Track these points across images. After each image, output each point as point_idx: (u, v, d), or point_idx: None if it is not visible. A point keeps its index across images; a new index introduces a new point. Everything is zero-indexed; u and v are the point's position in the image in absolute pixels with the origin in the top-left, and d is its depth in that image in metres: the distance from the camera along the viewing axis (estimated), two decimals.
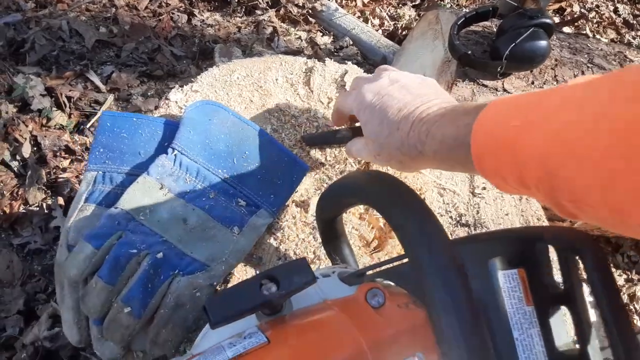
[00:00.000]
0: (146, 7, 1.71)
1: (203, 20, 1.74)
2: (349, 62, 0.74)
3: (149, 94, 1.46)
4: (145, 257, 0.52)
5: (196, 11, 1.76)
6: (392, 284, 0.41)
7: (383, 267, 0.41)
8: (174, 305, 0.51)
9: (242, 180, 0.59)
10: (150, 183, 0.56)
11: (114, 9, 1.67)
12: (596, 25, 2.29)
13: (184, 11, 1.75)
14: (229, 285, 0.57)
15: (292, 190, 0.61)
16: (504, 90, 1.09)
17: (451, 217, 0.64)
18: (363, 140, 0.55)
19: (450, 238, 0.36)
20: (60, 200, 1.18)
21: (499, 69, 1.05)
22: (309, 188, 0.64)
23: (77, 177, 1.22)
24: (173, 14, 1.72)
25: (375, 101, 0.52)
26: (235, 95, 0.68)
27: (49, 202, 1.19)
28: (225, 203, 0.57)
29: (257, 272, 0.59)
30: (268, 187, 0.60)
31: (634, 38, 2.25)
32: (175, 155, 0.58)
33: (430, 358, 0.35)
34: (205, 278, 0.53)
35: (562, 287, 0.34)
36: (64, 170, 1.23)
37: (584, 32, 2.16)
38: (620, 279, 1.49)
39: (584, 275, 0.32)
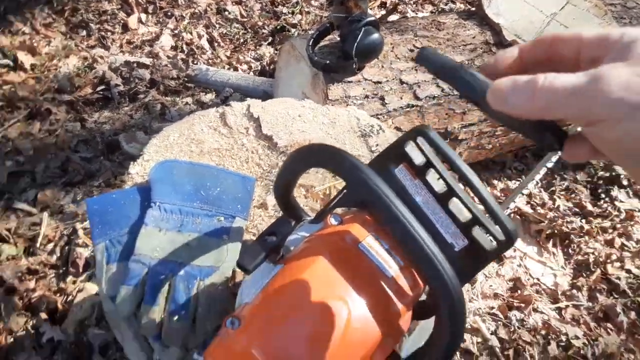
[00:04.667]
0: (40, 129, 1.83)
1: (96, 121, 1.89)
2: (248, 98, 0.97)
3: (77, 198, 1.58)
4: (173, 277, 0.70)
5: (86, 116, 1.91)
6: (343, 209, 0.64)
7: (333, 203, 0.64)
8: (206, 302, 0.70)
9: (213, 204, 0.79)
10: (151, 230, 0.74)
11: (10, 142, 1.76)
12: (414, 5, 2.75)
13: (74, 120, 1.88)
14: (237, 280, 0.77)
15: (251, 198, 0.82)
16: (365, 79, 1.38)
17: None
18: (591, 73, 0.31)
19: None
20: (43, 315, 1.27)
21: (354, 67, 1.34)
22: (261, 193, 0.85)
23: (49, 290, 1.32)
24: (66, 126, 1.85)
25: None
26: (178, 152, 0.88)
27: (32, 322, 1.28)
28: (209, 223, 0.77)
29: None
30: (234, 202, 0.80)
31: (445, 4, 2.72)
32: (158, 206, 0.77)
33: (379, 234, 0.58)
34: (219, 276, 0.72)
35: (425, 161, 0.58)
36: (34, 290, 1.32)
37: (407, 14, 2.59)
38: (515, 185, 1.84)
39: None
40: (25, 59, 2.07)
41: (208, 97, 1.98)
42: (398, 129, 1.39)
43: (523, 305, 1.49)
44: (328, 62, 1.36)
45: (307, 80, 1.48)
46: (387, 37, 1.49)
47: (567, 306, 1.54)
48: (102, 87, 2.01)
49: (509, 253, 1.64)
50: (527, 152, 1.94)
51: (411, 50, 1.47)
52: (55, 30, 2.35)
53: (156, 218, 0.76)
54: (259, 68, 2.16)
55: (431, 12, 2.65)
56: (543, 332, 1.45)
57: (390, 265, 0.56)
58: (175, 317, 0.68)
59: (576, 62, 0.36)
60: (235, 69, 2.16)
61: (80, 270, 1.37)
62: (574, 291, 1.58)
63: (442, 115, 1.44)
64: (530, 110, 0.34)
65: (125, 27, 2.42)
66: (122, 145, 1.72)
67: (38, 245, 1.43)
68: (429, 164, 0.58)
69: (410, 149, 0.60)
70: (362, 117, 0.96)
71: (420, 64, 0.46)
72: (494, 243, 0.56)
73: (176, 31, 2.36)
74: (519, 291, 1.54)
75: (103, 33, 2.37)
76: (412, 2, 2.74)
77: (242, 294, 0.63)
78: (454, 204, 0.58)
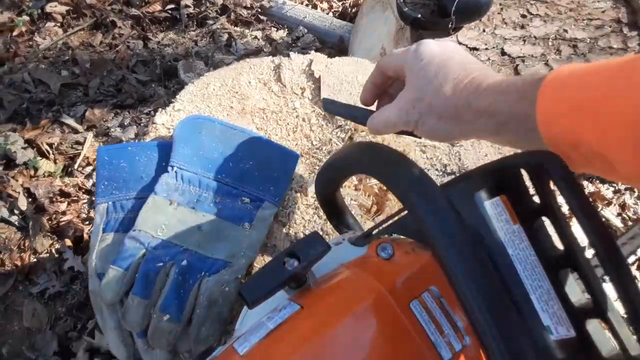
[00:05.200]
0: (101, 42, 1.73)
1: (159, 42, 1.77)
2: (312, 51, 0.79)
3: (125, 123, 1.49)
4: (172, 267, 0.57)
5: (150, 35, 1.79)
6: (399, 236, 0.47)
7: (387, 224, 0.47)
8: (207, 304, 0.56)
9: (241, 180, 0.64)
10: (160, 201, 0.60)
11: (70, 51, 1.68)
12: None
13: (138, 37, 1.77)
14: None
15: (289, 179, 0.66)
16: (459, 43, 1.14)
17: (437, 170, 0.70)
18: (395, 105, 0.48)
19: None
20: (68, 242, 1.21)
21: (450, 26, 1.10)
22: (303, 173, 0.69)
23: (78, 217, 1.25)
24: (128, 42, 1.74)
25: (438, 52, 0.45)
26: (216, 105, 0.72)
27: (57, 246, 1.23)
28: (231, 204, 0.62)
29: None
30: (267, 181, 0.64)
31: None
32: (175, 172, 0.62)
33: (443, 288, 0.41)
34: (230, 273, 0.58)
35: (539, 202, 0.39)
36: (64, 213, 1.26)
37: None
38: (608, 192, 1.56)
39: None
40: None
41: (279, 34, 1.80)
42: None
43: None
44: (419, 16, 1.13)
45: (391, 33, 1.26)
46: None
47: None
48: (172, 6, 1.87)
49: None
50: None
51: (524, 16, 1.20)
52: None
53: (169, 187, 0.62)
54: (340, 9, 1.93)
55: None
56: None
57: (450, 342, 0.39)
58: (166, 317, 0.55)
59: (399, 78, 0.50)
60: (314, 7, 1.94)
61: None
62: None
63: None
64: (389, 132, 0.51)
65: None
66: (180, 73, 1.59)
67: (76, 166, 1.36)
68: (545, 210, 0.39)
69: (522, 180, 0.40)
70: None
71: (327, 112, 0.61)
72: (619, 352, 0.37)
73: None
74: None
75: None
76: None
77: (242, 321, 0.48)
78: (567, 277, 0.39)
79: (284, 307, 0.43)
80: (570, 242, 0.37)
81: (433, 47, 0.45)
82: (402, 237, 0.46)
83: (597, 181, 1.61)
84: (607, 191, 1.59)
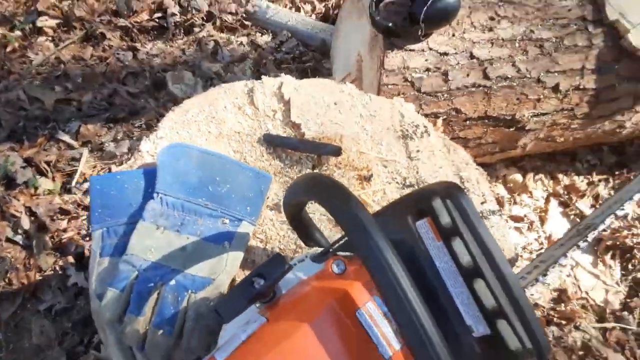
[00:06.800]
0: (91, 55, 1.79)
1: (147, 52, 1.82)
2: (282, 74, 0.85)
3: (118, 137, 1.55)
4: (162, 286, 0.64)
5: (138, 45, 1.84)
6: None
7: (338, 244, 0.54)
8: (195, 317, 0.64)
9: (220, 202, 0.71)
10: (147, 227, 0.67)
11: (62, 65, 1.74)
12: None
13: (127, 49, 1.83)
14: None
15: (263, 199, 0.73)
16: (430, 48, 1.20)
17: (397, 183, 0.77)
18: None
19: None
20: (71, 259, 1.28)
21: (419, 33, 1.16)
22: (278, 192, 0.76)
23: (78, 233, 1.33)
24: (118, 54, 1.80)
25: None
26: (195, 131, 0.79)
27: (60, 263, 1.30)
28: (212, 225, 0.69)
29: None
30: (243, 202, 0.71)
31: None
32: (160, 198, 0.69)
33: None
34: (213, 290, 0.65)
35: (452, 225, 0.47)
36: (65, 230, 1.33)
37: None
38: (582, 184, 1.61)
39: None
40: None
41: (264, 39, 1.85)
42: (458, 110, 1.22)
43: (564, 322, 1.35)
44: (390, 24, 1.18)
45: (366, 40, 1.31)
46: None
47: (613, 328, 1.37)
48: (159, 14, 1.92)
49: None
50: (603, 145, 1.68)
51: (492, 19, 1.25)
52: None
53: (155, 212, 0.69)
54: (323, 11, 1.98)
55: None
56: (581, 353, 1.32)
57: (390, 342, 0.46)
58: (160, 331, 0.63)
59: None
60: (298, 9, 1.99)
61: None
62: (625, 313, 1.40)
63: (512, 100, 1.25)
64: None
65: None
66: (168, 84, 1.65)
67: (74, 183, 1.43)
68: (456, 231, 0.47)
69: (439, 205, 0.48)
70: (407, 113, 0.81)
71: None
72: (520, 346, 0.45)
73: None
74: (563, 305, 1.39)
75: None
76: None
77: (222, 336, 0.56)
78: (480, 285, 0.47)
79: (254, 320, 0.50)
80: (477, 260, 0.45)
81: None
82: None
83: (573, 173, 1.65)
84: (581, 183, 1.63)
